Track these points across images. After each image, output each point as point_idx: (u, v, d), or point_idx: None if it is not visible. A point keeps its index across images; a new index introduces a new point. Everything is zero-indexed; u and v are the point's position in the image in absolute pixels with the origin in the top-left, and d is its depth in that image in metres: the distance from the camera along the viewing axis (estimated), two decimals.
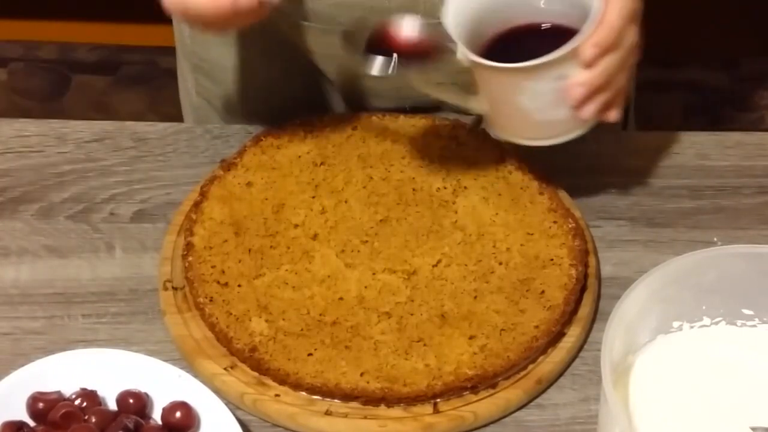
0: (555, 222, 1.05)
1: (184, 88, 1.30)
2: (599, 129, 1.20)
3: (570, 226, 1.04)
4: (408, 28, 0.99)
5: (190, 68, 1.26)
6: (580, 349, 1.01)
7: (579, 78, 0.96)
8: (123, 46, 2.55)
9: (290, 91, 1.23)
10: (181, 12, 0.94)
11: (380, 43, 0.99)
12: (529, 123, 1.01)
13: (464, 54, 0.98)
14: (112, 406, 0.91)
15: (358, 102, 1.20)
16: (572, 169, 1.14)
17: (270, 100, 1.23)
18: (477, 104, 1.03)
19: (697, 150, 1.17)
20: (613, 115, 1.01)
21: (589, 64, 0.96)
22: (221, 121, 1.24)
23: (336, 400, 0.95)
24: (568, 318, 1.00)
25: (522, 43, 1.00)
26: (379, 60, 0.98)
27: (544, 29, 1.02)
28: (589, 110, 0.98)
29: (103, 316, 1.02)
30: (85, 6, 2.53)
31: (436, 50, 0.98)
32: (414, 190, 1.07)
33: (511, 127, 1.03)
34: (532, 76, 0.96)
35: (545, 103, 0.98)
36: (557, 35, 0.98)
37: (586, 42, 0.95)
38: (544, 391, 0.98)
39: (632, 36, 0.98)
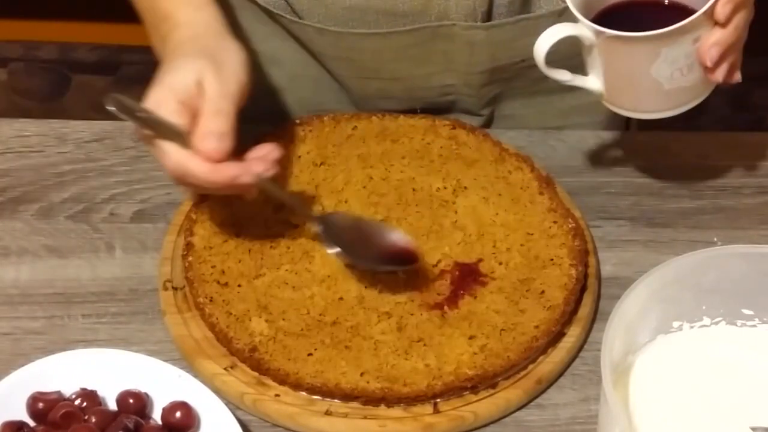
0: (555, 222, 1.05)
1: None
2: (600, 128, 1.20)
3: (570, 226, 1.04)
4: (398, 239, 1.01)
5: None
6: (580, 349, 1.01)
7: (713, 38, 0.97)
8: (123, 46, 2.55)
9: (299, 94, 1.23)
10: (180, 175, 0.94)
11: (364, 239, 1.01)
12: (655, 94, 1.01)
13: (595, 30, 0.98)
14: (112, 406, 0.91)
15: (367, 104, 1.20)
16: (572, 169, 1.14)
17: (278, 101, 1.23)
18: (592, 83, 1.03)
19: (697, 150, 1.17)
20: (737, 75, 1.02)
21: (723, 23, 0.97)
22: None
23: (336, 400, 0.95)
24: (568, 318, 1.00)
25: (625, 19, 1.00)
26: (339, 250, 1.00)
27: (638, 3, 1.03)
28: (722, 71, 0.99)
29: (103, 316, 1.02)
30: (85, 6, 2.53)
31: (409, 260, 1.01)
32: (414, 190, 1.07)
33: (636, 101, 1.03)
34: (670, 42, 0.96)
35: (678, 68, 0.98)
36: (655, 6, 0.99)
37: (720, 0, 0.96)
38: (544, 391, 0.98)
39: None
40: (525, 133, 1.18)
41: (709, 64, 0.98)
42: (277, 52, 1.20)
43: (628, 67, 1.00)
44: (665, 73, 0.99)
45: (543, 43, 1.01)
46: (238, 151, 0.95)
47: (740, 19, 0.98)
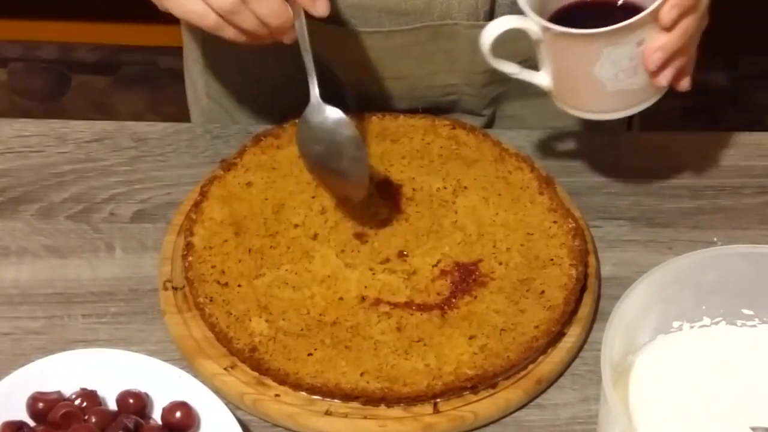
0: (555, 222, 1.05)
1: (192, 90, 1.30)
2: (600, 128, 1.20)
3: (570, 226, 1.04)
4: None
5: (200, 70, 1.26)
6: (580, 349, 1.01)
7: (658, 42, 0.96)
8: (123, 46, 2.55)
9: (302, 93, 1.23)
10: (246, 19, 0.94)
11: None
12: (602, 94, 1.00)
13: (541, 25, 0.98)
14: (112, 406, 0.91)
15: (370, 103, 1.20)
16: (572, 169, 1.14)
17: (282, 101, 1.23)
18: (541, 79, 1.03)
19: (697, 150, 1.17)
20: (686, 83, 1.01)
21: (668, 27, 0.96)
22: (231, 122, 1.24)
23: (336, 400, 0.95)
24: (568, 318, 1.00)
25: (584, 19, 1.00)
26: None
27: (597, 4, 1.02)
28: (666, 77, 0.98)
29: (103, 316, 1.02)
30: (85, 6, 2.53)
31: None
32: (414, 190, 1.07)
33: (583, 101, 1.03)
34: (613, 42, 0.96)
35: (622, 70, 0.98)
36: (612, 8, 0.98)
37: (666, 3, 0.95)
38: (544, 391, 0.98)
39: None
40: (525, 133, 1.18)
41: (651, 67, 0.97)
42: (280, 51, 1.20)
43: (573, 65, 1.00)
44: (608, 74, 0.98)
45: (488, 33, 1.01)
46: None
47: (688, 24, 0.97)
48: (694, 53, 1.01)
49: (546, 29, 0.98)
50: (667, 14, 0.95)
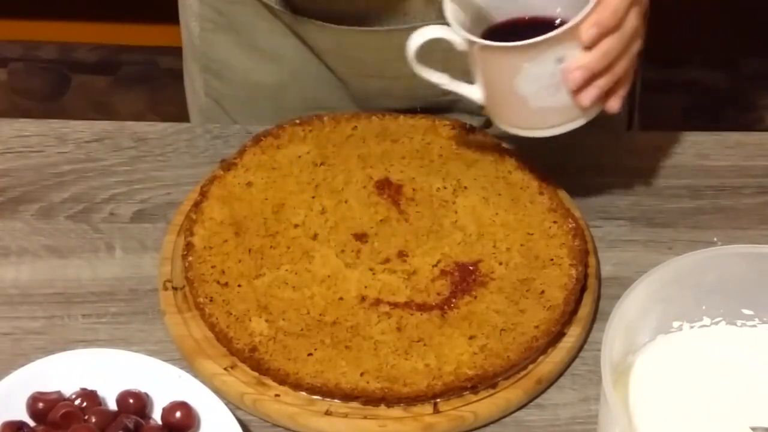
0: (555, 222, 1.05)
1: (191, 89, 1.30)
2: (600, 128, 1.20)
3: (570, 226, 1.04)
4: None
5: (199, 69, 1.26)
6: (580, 349, 1.01)
7: (578, 61, 0.95)
8: (123, 46, 2.56)
9: (300, 92, 1.23)
10: None
11: None
12: (526, 111, 0.99)
13: (463, 37, 0.97)
14: (112, 406, 0.91)
15: (369, 102, 1.20)
16: (572, 169, 1.14)
17: (280, 100, 1.23)
18: (473, 92, 1.02)
19: (697, 150, 1.17)
20: (614, 104, 0.99)
21: (588, 46, 0.94)
22: (230, 121, 1.24)
23: (336, 400, 0.95)
24: (568, 318, 1.00)
25: (520, 34, 0.98)
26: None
27: (542, 21, 1.01)
28: (589, 96, 0.97)
29: (103, 316, 1.02)
30: (85, 6, 2.53)
31: None
32: (414, 190, 1.07)
33: (509, 115, 1.02)
34: (530, 57, 0.95)
35: (543, 87, 0.97)
36: (557, 26, 0.97)
37: (586, 22, 0.94)
38: (544, 391, 0.98)
39: (633, 20, 0.96)
40: None
41: (572, 86, 0.96)
42: (278, 50, 1.20)
43: (495, 79, 0.99)
44: (529, 90, 0.97)
45: (413, 42, 1.00)
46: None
47: (610, 45, 0.95)
48: (628, 74, 0.99)
49: (471, 42, 0.97)
50: (586, 33, 0.94)
